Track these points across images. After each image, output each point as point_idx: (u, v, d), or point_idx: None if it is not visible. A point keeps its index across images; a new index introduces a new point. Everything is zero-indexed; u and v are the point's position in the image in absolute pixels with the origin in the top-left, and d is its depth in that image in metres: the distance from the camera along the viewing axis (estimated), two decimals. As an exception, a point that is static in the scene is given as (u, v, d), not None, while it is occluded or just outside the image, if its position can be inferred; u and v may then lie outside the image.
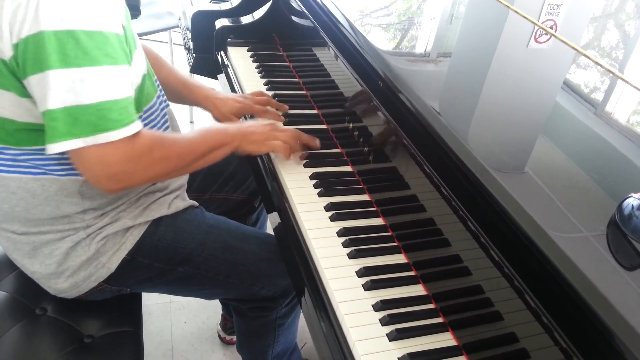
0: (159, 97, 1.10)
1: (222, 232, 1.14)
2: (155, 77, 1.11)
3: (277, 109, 1.33)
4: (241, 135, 1.08)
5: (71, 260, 1.02)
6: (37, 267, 1.03)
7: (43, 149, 0.92)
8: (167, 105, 1.14)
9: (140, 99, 1.01)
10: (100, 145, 0.86)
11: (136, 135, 0.90)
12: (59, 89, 0.81)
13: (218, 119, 1.31)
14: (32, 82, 0.82)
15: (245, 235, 1.17)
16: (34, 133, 0.90)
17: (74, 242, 1.01)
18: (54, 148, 0.84)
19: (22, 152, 0.93)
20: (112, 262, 1.04)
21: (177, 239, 1.09)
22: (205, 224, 1.14)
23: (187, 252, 1.10)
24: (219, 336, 1.74)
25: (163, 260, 1.09)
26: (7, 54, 0.82)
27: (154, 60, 1.26)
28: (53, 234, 1.00)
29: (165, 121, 1.13)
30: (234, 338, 1.71)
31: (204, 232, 1.12)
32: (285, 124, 1.29)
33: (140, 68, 1.01)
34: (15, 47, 0.80)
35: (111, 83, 0.86)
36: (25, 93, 0.86)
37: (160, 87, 1.14)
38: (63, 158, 0.94)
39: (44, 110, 0.83)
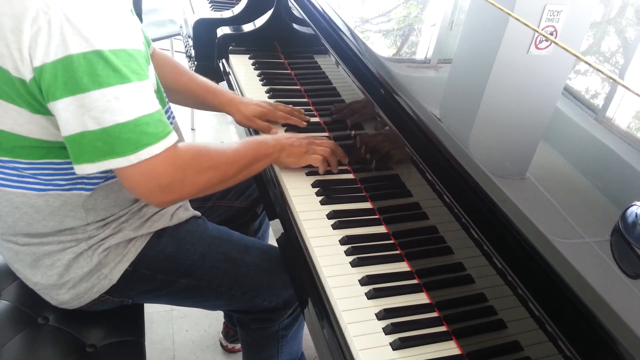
0: (167, 110, 1.10)
1: (223, 243, 1.14)
2: (163, 90, 1.10)
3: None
4: (280, 147, 1.09)
5: (73, 272, 1.02)
6: (38, 278, 1.02)
7: (51, 163, 0.93)
8: (174, 118, 1.15)
9: None
10: (145, 160, 0.86)
11: (177, 145, 0.91)
12: (95, 110, 0.82)
13: (241, 122, 1.32)
14: (61, 105, 0.82)
15: (247, 246, 1.16)
16: (45, 149, 0.91)
17: (76, 254, 1.01)
18: (98, 167, 0.85)
19: (30, 167, 0.93)
20: (114, 273, 1.04)
21: (179, 250, 1.09)
22: (207, 235, 1.14)
23: (189, 264, 1.09)
24: (221, 344, 1.73)
25: (165, 271, 1.08)
26: (28, 76, 0.82)
27: (172, 68, 1.28)
28: (55, 245, 1.00)
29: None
30: (236, 346, 1.71)
31: (206, 243, 1.12)
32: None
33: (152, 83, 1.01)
34: (39, 70, 0.80)
35: (143, 98, 0.86)
36: (38, 110, 0.86)
37: (168, 100, 1.14)
38: (68, 172, 0.94)
39: (81, 131, 0.83)
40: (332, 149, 1.15)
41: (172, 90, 1.27)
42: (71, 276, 1.02)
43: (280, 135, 1.14)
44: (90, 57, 0.80)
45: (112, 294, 1.06)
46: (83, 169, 0.86)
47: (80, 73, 0.80)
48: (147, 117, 0.86)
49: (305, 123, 1.32)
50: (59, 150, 0.92)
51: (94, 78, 0.80)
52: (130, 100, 0.84)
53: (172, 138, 0.90)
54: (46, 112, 0.86)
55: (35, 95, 0.84)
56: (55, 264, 1.01)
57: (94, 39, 0.80)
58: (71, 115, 0.82)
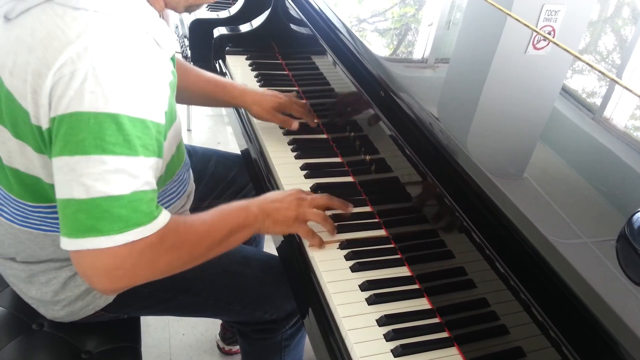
0: (185, 163, 1.08)
1: (222, 257, 1.09)
2: (183, 145, 1.06)
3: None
4: (264, 214, 0.95)
5: (69, 291, 0.98)
6: (33, 293, 1.00)
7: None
8: (188, 169, 1.12)
9: (171, 167, 0.99)
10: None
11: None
12: (88, 177, 0.73)
13: (259, 115, 1.27)
14: (56, 163, 0.75)
15: (246, 258, 1.13)
16: (54, 193, 0.86)
17: (73, 272, 0.97)
18: (73, 244, 0.75)
19: (36, 210, 0.89)
20: None
21: None
22: None
23: (186, 280, 1.05)
24: (218, 346, 1.72)
25: (162, 289, 1.05)
26: (44, 125, 0.77)
27: (179, 67, 1.22)
28: (52, 263, 0.97)
29: (185, 185, 1.10)
30: (233, 348, 1.69)
31: None
32: (284, 134, 1.28)
33: (176, 134, 0.98)
34: (53, 120, 0.75)
35: (145, 174, 0.78)
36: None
37: (186, 153, 1.11)
38: None
39: (66, 197, 0.75)
40: (325, 207, 1.00)
41: (181, 89, 1.21)
42: (66, 295, 0.99)
43: (267, 196, 0.99)
44: (102, 119, 0.73)
45: (108, 310, 1.03)
46: (66, 244, 0.76)
47: (85, 133, 0.72)
48: (142, 194, 0.77)
49: (315, 122, 1.29)
50: None
51: (99, 142, 0.73)
52: (131, 175, 0.76)
53: (165, 217, 0.81)
54: None
55: (47, 143, 0.78)
56: (51, 281, 0.98)
57: (115, 101, 0.73)
58: (62, 177, 0.75)
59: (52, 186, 0.84)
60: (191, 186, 1.15)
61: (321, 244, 0.97)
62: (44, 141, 0.79)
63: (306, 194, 1.00)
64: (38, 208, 0.89)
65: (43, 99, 0.74)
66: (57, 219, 0.88)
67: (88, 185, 0.73)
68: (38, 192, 0.87)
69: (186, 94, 1.26)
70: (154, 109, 0.80)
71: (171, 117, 0.91)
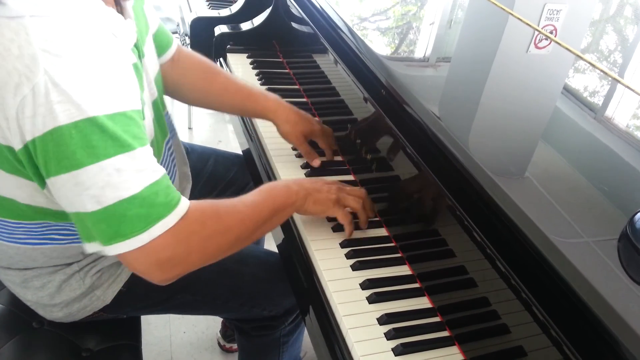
0: (166, 114, 1.04)
1: None
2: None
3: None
4: (306, 192, 0.94)
5: (65, 294, 0.97)
6: (29, 297, 0.99)
7: (43, 224, 0.87)
8: (173, 152, 1.09)
9: None
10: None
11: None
12: (94, 187, 0.71)
13: (286, 135, 1.17)
14: (58, 183, 0.72)
15: (244, 256, 1.12)
16: (35, 213, 0.84)
17: (67, 275, 0.96)
18: (110, 250, 0.75)
19: (20, 227, 0.87)
20: (107, 294, 1.00)
21: None
22: None
23: (184, 280, 1.04)
24: (219, 344, 1.72)
25: (159, 289, 1.03)
26: (17, 146, 0.72)
27: (204, 70, 1.18)
28: (46, 268, 0.96)
29: (174, 165, 1.08)
30: (234, 346, 1.69)
31: None
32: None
33: (148, 128, 0.92)
34: (32, 145, 0.70)
35: (148, 165, 0.76)
36: (28, 178, 0.77)
37: (171, 127, 1.08)
38: (65, 230, 0.89)
39: (82, 211, 0.73)
40: (362, 199, 1.00)
41: (206, 94, 1.18)
42: (63, 298, 0.98)
43: (304, 179, 0.98)
44: (82, 127, 0.69)
45: (106, 311, 1.03)
46: (92, 247, 0.76)
47: (72, 147, 0.69)
48: (154, 186, 0.75)
49: (333, 158, 1.21)
50: (53, 213, 0.85)
51: (89, 150, 0.70)
52: (134, 171, 0.73)
53: (184, 204, 0.79)
54: (34, 179, 0.77)
55: (24, 164, 0.74)
56: (45, 285, 0.96)
57: (86, 105, 0.69)
58: (69, 193, 0.73)
59: (29, 207, 0.83)
60: (181, 184, 1.14)
61: (351, 233, 0.98)
62: (19, 161, 0.74)
63: (345, 185, 1.01)
64: (20, 224, 0.87)
65: (11, 123, 0.70)
66: (43, 233, 0.88)
67: (97, 196, 0.72)
68: (16, 212, 0.85)
69: (210, 99, 1.20)
70: (126, 97, 0.75)
71: (142, 103, 0.87)
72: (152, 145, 0.93)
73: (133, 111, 0.76)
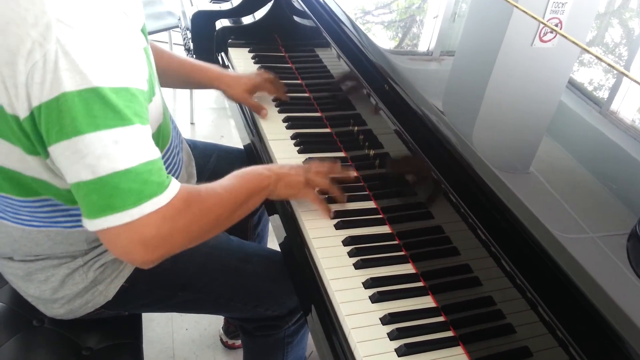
0: (172, 140, 1.05)
1: (222, 253, 1.09)
2: (171, 119, 1.03)
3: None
4: (276, 177, 0.98)
5: (67, 289, 0.97)
6: (32, 291, 0.99)
7: (47, 200, 0.87)
8: (180, 150, 1.10)
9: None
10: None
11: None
12: (90, 156, 0.72)
13: (233, 97, 1.29)
14: (57, 150, 0.73)
15: (247, 254, 1.12)
16: (40, 188, 0.85)
17: (71, 269, 0.96)
18: (94, 224, 0.75)
19: (25, 205, 0.88)
20: (109, 290, 1.00)
21: (177, 263, 1.02)
22: (205, 245, 1.08)
23: (187, 277, 1.05)
24: (221, 340, 1.71)
25: (162, 286, 1.04)
26: (22, 114, 0.74)
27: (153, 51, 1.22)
28: (50, 261, 0.96)
29: (179, 167, 1.08)
30: (236, 342, 1.69)
31: (203, 254, 1.06)
32: (287, 127, 1.27)
33: (157, 113, 0.94)
34: (37, 111, 0.72)
35: (145, 143, 0.77)
36: (32, 150, 0.78)
37: (177, 130, 1.09)
38: (70, 212, 0.89)
39: (75, 182, 0.74)
40: (330, 174, 1.04)
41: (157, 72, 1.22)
42: (65, 292, 0.98)
43: (276, 165, 1.04)
44: (85, 95, 0.71)
45: (108, 307, 1.02)
46: (90, 224, 0.76)
47: (74, 113, 0.70)
48: (149, 164, 0.76)
49: (287, 97, 1.33)
50: (57, 191, 0.85)
51: (89, 119, 0.71)
52: (131, 146, 0.74)
53: (176, 186, 0.81)
54: (40, 154, 0.78)
55: (28, 134, 0.76)
56: (49, 279, 0.97)
57: (92, 75, 0.71)
58: (67, 162, 0.74)
59: (34, 179, 0.83)
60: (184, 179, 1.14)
61: (328, 211, 1.01)
62: (23, 131, 0.76)
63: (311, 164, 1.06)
64: (26, 202, 0.88)
65: (20, 89, 0.71)
66: (47, 213, 0.88)
67: (93, 165, 0.73)
68: (22, 186, 0.85)
69: (161, 77, 1.22)
70: (133, 75, 0.77)
71: (151, 88, 0.88)
72: (159, 130, 0.95)
73: (137, 90, 0.77)
